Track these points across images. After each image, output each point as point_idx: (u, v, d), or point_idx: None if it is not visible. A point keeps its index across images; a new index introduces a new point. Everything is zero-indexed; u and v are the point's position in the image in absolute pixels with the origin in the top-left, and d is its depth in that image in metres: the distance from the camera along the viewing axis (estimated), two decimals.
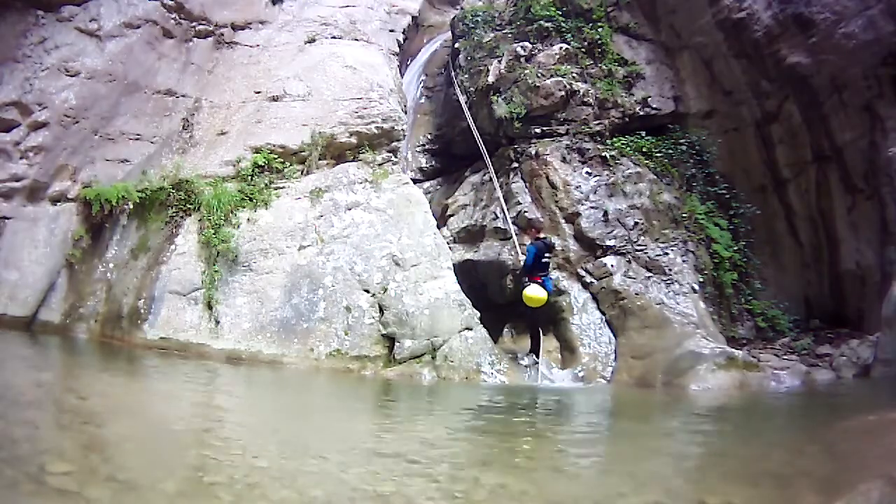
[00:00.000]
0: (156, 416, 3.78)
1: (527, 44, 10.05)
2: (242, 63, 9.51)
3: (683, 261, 8.47)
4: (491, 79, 9.90)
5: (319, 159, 8.46)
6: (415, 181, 9.87)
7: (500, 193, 9.25)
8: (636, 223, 8.63)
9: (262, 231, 7.61)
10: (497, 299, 8.95)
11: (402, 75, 11.48)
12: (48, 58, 7.40)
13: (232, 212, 7.66)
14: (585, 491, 2.73)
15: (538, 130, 9.56)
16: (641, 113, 9.81)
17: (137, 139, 8.20)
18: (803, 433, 4.15)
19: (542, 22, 10.18)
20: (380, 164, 8.57)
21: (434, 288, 7.41)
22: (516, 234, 8.74)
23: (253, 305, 7.12)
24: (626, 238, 8.53)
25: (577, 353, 7.85)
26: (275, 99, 8.93)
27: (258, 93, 9.06)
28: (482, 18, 11.15)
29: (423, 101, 12.23)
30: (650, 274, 8.28)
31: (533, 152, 9.33)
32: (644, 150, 9.45)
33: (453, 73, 11.24)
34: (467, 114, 10.24)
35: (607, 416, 5.75)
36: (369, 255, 7.55)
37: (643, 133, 9.62)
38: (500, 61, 10.04)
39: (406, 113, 10.01)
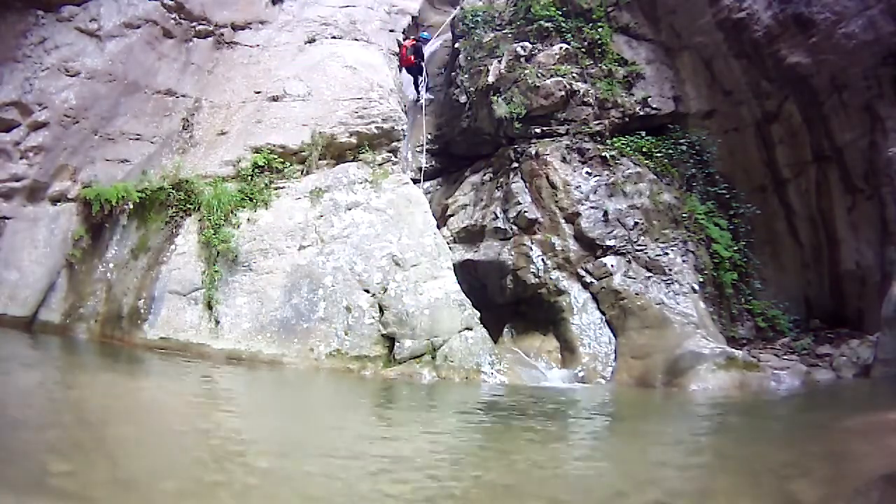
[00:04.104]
0: (156, 415, 3.78)
1: (527, 44, 10.06)
2: (242, 63, 9.50)
3: (683, 261, 8.47)
4: (491, 79, 9.91)
5: (319, 159, 8.46)
6: (415, 181, 9.87)
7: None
8: (636, 223, 8.64)
9: (262, 231, 7.61)
10: (497, 299, 8.96)
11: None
12: (48, 58, 7.39)
13: (232, 212, 7.66)
14: (585, 490, 2.73)
15: (538, 130, 9.57)
16: (641, 113, 9.82)
17: (137, 139, 8.20)
18: (803, 433, 4.15)
19: (542, 22, 10.19)
20: (380, 164, 8.58)
21: (434, 288, 7.41)
22: (516, 235, 8.76)
23: (253, 305, 7.11)
24: (626, 238, 8.53)
25: (577, 353, 7.85)
26: (275, 99, 8.92)
27: (258, 93, 9.06)
28: (482, 18, 11.16)
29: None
30: (650, 274, 8.29)
31: (533, 152, 9.33)
32: (644, 150, 9.46)
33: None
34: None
35: (607, 416, 5.75)
36: (369, 255, 7.56)
37: (643, 133, 9.63)
38: (500, 61, 10.05)
39: (406, 113, 10.01)
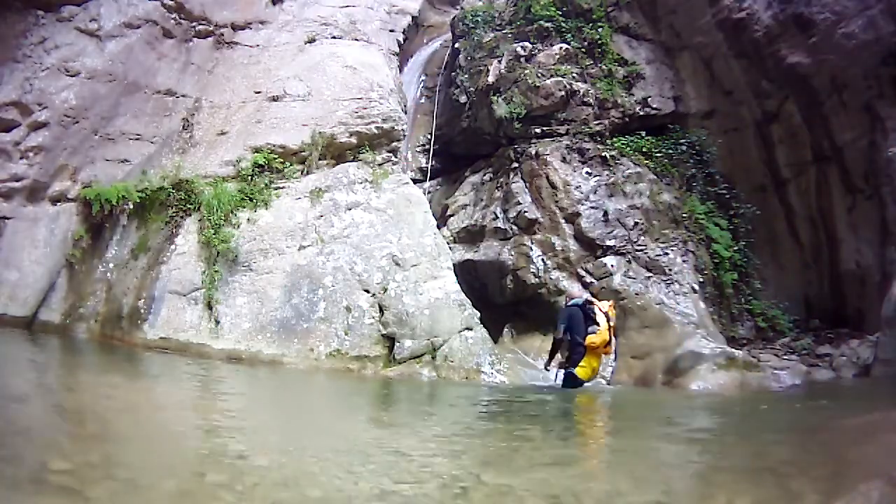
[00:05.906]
0: (156, 415, 3.78)
1: (527, 44, 10.06)
2: (242, 63, 9.51)
3: (683, 261, 8.47)
4: (491, 79, 9.91)
5: (319, 159, 8.47)
6: (415, 181, 9.87)
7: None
8: (636, 223, 8.64)
9: (262, 231, 7.61)
10: (497, 299, 8.95)
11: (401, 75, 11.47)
12: (48, 58, 7.40)
13: (232, 212, 7.66)
14: (585, 490, 2.73)
15: (538, 130, 9.57)
16: (641, 113, 9.82)
17: (137, 139, 8.21)
18: (804, 433, 4.15)
19: (542, 22, 10.20)
20: (380, 164, 8.58)
21: (434, 288, 7.41)
22: (516, 235, 8.75)
23: (253, 305, 7.11)
24: (626, 238, 8.53)
25: None
26: (275, 99, 8.93)
27: (258, 93, 9.06)
28: (482, 18, 11.16)
29: (423, 101, 12.23)
30: (650, 274, 8.29)
31: (533, 152, 9.33)
32: (644, 150, 9.47)
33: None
34: None
35: (606, 415, 5.75)
36: (369, 255, 7.56)
37: (643, 133, 9.64)
38: (500, 61, 10.05)
39: (406, 113, 10.01)
